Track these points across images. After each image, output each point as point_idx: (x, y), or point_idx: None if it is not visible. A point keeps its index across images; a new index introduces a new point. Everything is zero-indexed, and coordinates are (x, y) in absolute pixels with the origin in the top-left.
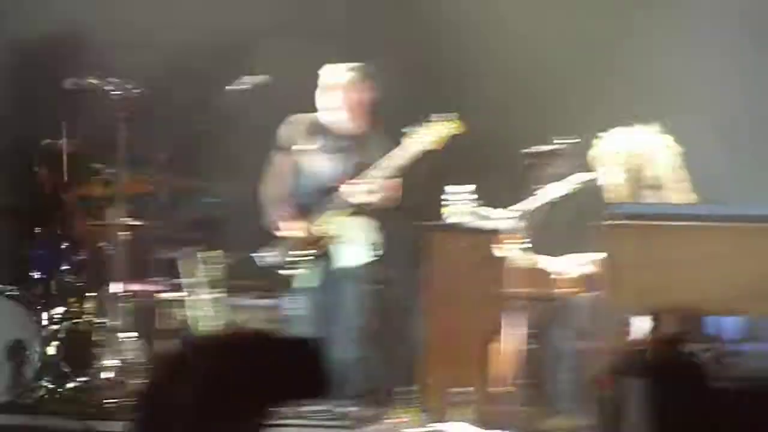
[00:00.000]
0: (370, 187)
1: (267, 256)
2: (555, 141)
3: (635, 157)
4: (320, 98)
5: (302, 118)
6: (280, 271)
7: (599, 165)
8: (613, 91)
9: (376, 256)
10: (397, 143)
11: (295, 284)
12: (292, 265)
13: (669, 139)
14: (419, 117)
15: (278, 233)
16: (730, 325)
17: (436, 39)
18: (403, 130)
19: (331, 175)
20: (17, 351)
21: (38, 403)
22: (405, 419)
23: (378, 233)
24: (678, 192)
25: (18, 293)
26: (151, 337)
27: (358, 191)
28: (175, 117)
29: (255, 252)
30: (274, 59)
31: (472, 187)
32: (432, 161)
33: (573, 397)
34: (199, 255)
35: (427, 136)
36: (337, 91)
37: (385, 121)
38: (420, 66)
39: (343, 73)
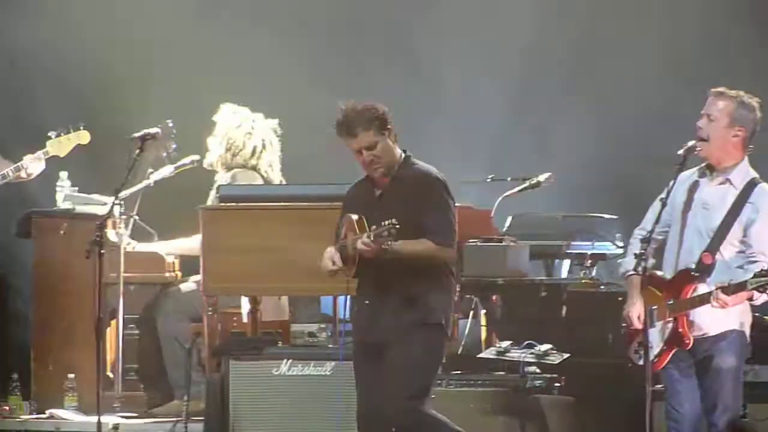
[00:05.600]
0: None
1: None
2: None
3: (233, 136)
4: None
5: None
6: None
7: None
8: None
9: None
10: None
11: None
12: None
13: (271, 123)
14: None
15: None
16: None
17: None
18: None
19: None
20: None
21: None
22: (6, 407)
23: None
24: (277, 173)
25: None
26: None
27: None
28: None
29: None
30: None
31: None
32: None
33: (186, 381)
34: None
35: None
36: None
37: None
38: None
39: None
